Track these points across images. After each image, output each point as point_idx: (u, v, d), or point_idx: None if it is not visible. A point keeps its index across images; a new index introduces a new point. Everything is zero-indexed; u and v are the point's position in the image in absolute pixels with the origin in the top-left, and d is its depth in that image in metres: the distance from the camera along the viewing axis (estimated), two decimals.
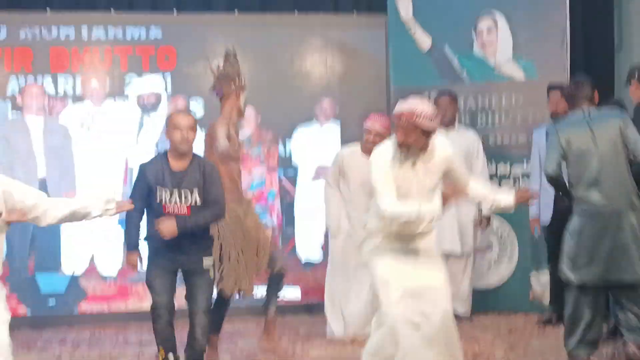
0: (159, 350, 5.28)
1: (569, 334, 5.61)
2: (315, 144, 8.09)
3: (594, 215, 5.45)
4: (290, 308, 7.68)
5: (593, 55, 8.02)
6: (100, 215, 4.78)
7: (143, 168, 5.33)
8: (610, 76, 8.05)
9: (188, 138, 5.24)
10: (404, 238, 4.78)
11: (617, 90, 7.88)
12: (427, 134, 4.60)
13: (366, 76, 8.20)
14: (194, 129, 5.28)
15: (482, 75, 7.92)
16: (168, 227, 5.10)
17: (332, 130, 8.18)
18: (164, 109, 7.86)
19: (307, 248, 8.14)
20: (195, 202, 5.20)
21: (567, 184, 5.62)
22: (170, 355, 5.25)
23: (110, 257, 7.68)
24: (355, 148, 6.81)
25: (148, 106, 7.90)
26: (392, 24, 8.09)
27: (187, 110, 5.61)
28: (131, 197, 5.30)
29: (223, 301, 5.99)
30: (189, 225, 5.15)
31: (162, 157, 5.36)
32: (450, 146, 4.86)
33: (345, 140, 7.89)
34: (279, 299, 6.40)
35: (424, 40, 8.05)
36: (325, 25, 8.23)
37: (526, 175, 7.45)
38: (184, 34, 7.97)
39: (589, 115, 5.57)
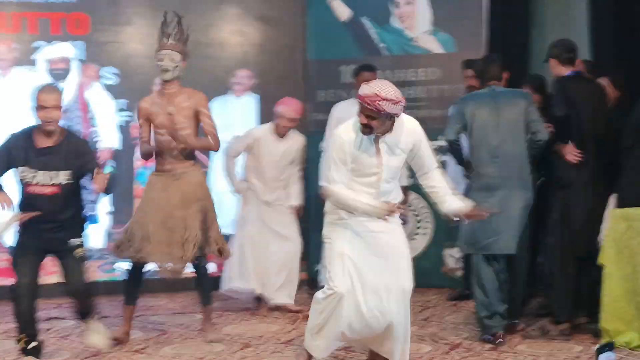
0: (19, 338, 5.18)
1: (479, 306, 5.70)
2: (232, 115, 7.94)
3: (489, 188, 5.67)
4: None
5: (509, 31, 8.05)
6: None
7: (9, 140, 5.17)
8: (526, 51, 8.11)
9: (53, 117, 5.06)
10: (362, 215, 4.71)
11: (532, 65, 7.93)
12: (391, 118, 4.51)
13: (283, 47, 8.06)
14: (59, 107, 5.10)
15: (400, 47, 7.90)
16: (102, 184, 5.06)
17: (248, 102, 8.04)
18: (75, 77, 7.62)
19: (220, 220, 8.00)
20: (65, 182, 5.10)
21: (462, 154, 5.89)
22: (33, 344, 5.16)
23: None
24: (268, 128, 6.80)
25: (58, 74, 7.63)
26: None
27: (52, 87, 5.38)
28: None
29: (135, 272, 5.84)
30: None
31: (28, 134, 5.14)
32: (418, 126, 4.75)
33: (263, 112, 7.79)
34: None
35: (343, 11, 7.98)
36: None
37: (442, 150, 7.45)
38: (96, 0, 7.71)
39: (496, 93, 5.80)
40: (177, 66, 5.86)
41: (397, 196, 4.82)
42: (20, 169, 5.06)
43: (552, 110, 5.85)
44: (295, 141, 6.90)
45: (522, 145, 5.71)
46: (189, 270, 5.94)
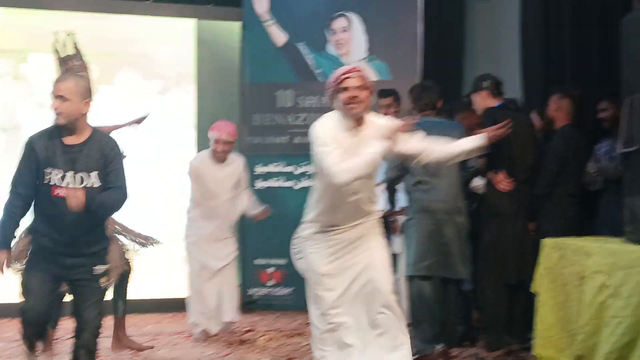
0: None
1: (414, 329, 5.76)
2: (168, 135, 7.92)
3: (426, 212, 5.75)
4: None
5: (443, 60, 8.23)
6: None
7: (31, 143, 4.38)
8: (459, 81, 8.28)
9: (59, 107, 4.33)
10: (342, 224, 4.64)
11: (464, 93, 8.10)
12: (370, 95, 4.56)
13: (221, 69, 8.06)
14: (75, 95, 4.32)
15: None
16: (77, 197, 4.22)
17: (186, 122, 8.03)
18: None
19: None
20: (92, 185, 4.35)
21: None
22: None
23: None
24: (205, 155, 6.72)
25: None
26: (248, 18, 8.03)
27: (72, 73, 4.74)
28: (14, 182, 4.40)
29: None
30: (96, 203, 4.29)
31: (54, 130, 4.40)
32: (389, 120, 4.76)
33: (199, 132, 7.75)
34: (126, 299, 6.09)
35: (279, 36, 8.03)
36: (180, 14, 8.05)
37: None
38: None
39: (431, 123, 5.79)
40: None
41: (374, 195, 4.77)
42: (47, 171, 4.34)
43: None
44: (237, 165, 6.74)
45: (456, 173, 5.80)
46: None
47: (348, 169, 4.41)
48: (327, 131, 4.53)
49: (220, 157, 6.63)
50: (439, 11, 8.26)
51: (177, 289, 7.46)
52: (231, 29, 8.12)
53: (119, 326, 6.06)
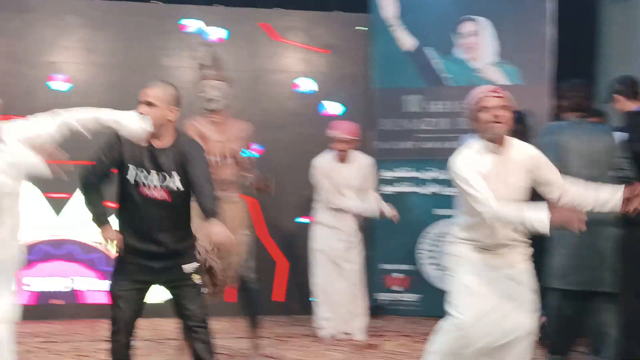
0: None
1: (549, 341, 5.61)
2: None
3: None
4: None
5: (576, 63, 8.03)
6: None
7: (119, 137, 4.43)
8: (592, 84, 8.05)
9: (145, 113, 4.37)
10: (492, 248, 4.48)
11: (598, 98, 7.89)
12: (511, 116, 4.38)
13: (348, 75, 8.11)
14: (162, 102, 4.38)
15: (464, 78, 7.90)
16: (221, 234, 4.24)
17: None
18: None
19: None
20: (178, 188, 4.39)
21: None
22: None
23: None
24: (329, 156, 6.82)
25: None
26: (375, 24, 8.05)
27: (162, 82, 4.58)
28: (95, 157, 4.46)
29: None
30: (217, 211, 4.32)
31: None
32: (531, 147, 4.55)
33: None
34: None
35: (407, 41, 8.02)
36: (307, 22, 8.14)
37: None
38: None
39: (581, 124, 5.56)
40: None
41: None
42: (131, 168, 4.40)
43: (633, 146, 5.70)
44: (362, 164, 6.83)
45: (608, 180, 5.30)
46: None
47: (498, 212, 4.23)
48: (467, 164, 4.36)
49: (341, 156, 6.72)
50: (571, 13, 8.05)
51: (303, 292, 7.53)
52: (356, 35, 8.15)
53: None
